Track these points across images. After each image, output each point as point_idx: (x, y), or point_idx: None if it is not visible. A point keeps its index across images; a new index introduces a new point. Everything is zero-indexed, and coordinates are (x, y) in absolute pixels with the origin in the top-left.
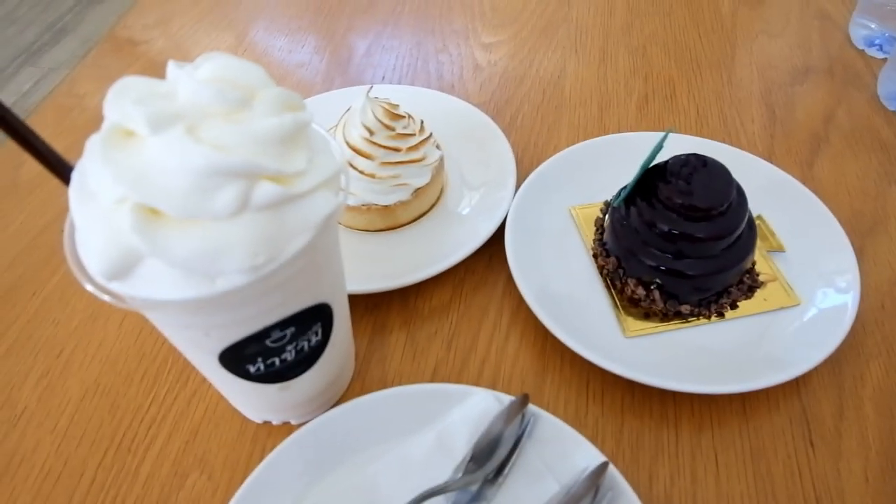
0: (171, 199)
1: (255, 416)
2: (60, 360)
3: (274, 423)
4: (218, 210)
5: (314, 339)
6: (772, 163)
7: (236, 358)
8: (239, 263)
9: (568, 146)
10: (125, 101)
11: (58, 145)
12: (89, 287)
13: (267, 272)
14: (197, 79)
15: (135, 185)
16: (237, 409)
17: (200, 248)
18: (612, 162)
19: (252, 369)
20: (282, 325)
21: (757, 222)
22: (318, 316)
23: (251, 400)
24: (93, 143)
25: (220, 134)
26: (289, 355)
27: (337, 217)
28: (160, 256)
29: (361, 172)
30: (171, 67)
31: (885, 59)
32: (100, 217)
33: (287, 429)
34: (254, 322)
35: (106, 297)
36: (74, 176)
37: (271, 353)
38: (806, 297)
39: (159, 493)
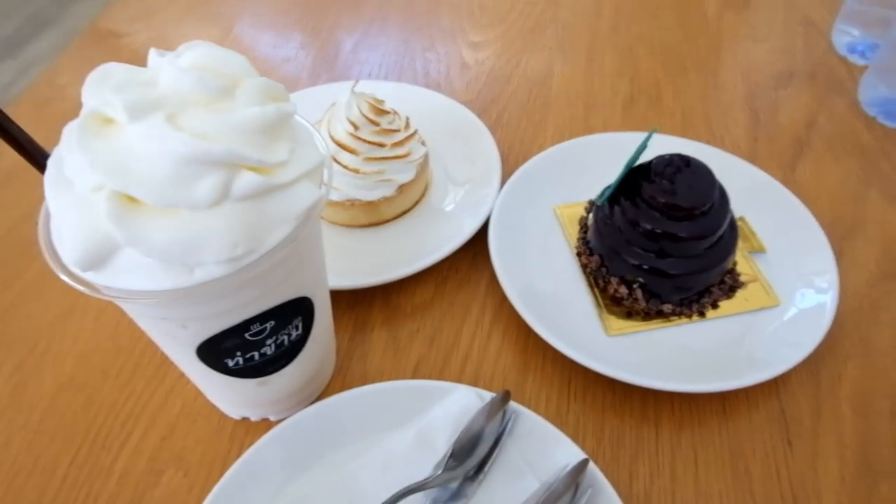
0: (149, 187)
1: (234, 412)
2: (34, 355)
3: (252, 419)
4: (198, 199)
5: (294, 334)
6: (755, 165)
7: (214, 352)
8: (218, 254)
9: (553, 145)
10: (104, 87)
11: (36, 136)
12: (63, 277)
13: (246, 264)
14: (179, 66)
15: (112, 173)
16: (215, 404)
17: (179, 238)
18: (597, 161)
19: (230, 363)
20: (261, 318)
21: (739, 223)
22: (299, 310)
23: (229, 395)
24: (70, 130)
25: (201, 122)
26: (268, 349)
27: (319, 210)
28: (137, 246)
29: (345, 167)
30: (153, 55)
31: (866, 66)
32: (75, 205)
33: (266, 425)
34: (233, 315)
35: (80, 288)
36: (50, 163)
37: (250, 346)
38: (786, 297)
39: (134, 490)
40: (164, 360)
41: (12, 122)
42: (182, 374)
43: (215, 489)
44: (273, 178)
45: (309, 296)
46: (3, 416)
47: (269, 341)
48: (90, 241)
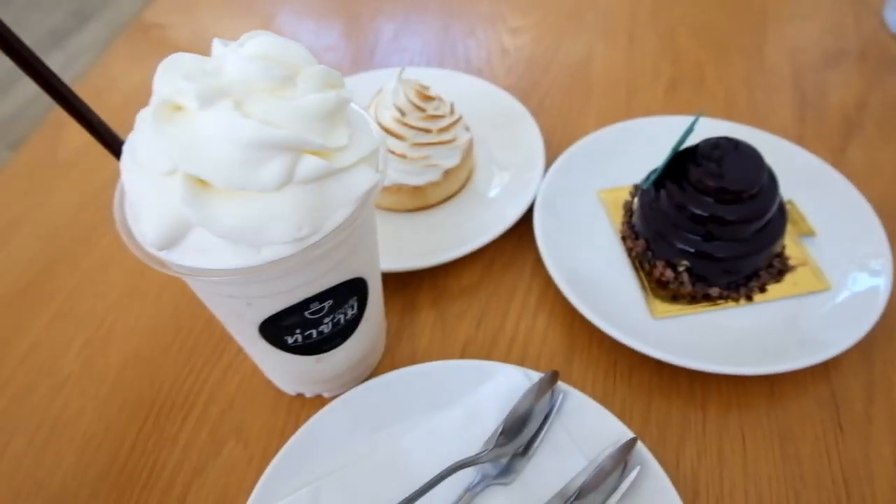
0: (219, 171)
1: (290, 389)
2: (101, 332)
3: (307, 395)
4: (264, 182)
5: (350, 313)
6: (803, 147)
7: (276, 329)
8: (284, 234)
9: (595, 130)
10: (175, 76)
11: None
12: (138, 255)
13: (310, 244)
14: (243, 56)
15: (185, 157)
16: (272, 381)
17: (247, 219)
18: (640, 146)
19: (290, 340)
20: (320, 297)
21: (787, 206)
22: (355, 290)
23: (287, 372)
24: (143, 117)
25: (266, 109)
26: (325, 328)
27: (375, 193)
28: (208, 226)
29: (393, 153)
30: (217, 44)
31: None
32: (151, 188)
33: (320, 402)
34: (294, 293)
35: (154, 266)
36: (125, 149)
37: (309, 324)
38: (837, 281)
39: (197, 459)
40: (222, 338)
41: (92, 112)
42: (238, 352)
43: (274, 461)
44: (334, 162)
45: (364, 276)
46: (75, 388)
47: (326, 320)
48: (166, 222)
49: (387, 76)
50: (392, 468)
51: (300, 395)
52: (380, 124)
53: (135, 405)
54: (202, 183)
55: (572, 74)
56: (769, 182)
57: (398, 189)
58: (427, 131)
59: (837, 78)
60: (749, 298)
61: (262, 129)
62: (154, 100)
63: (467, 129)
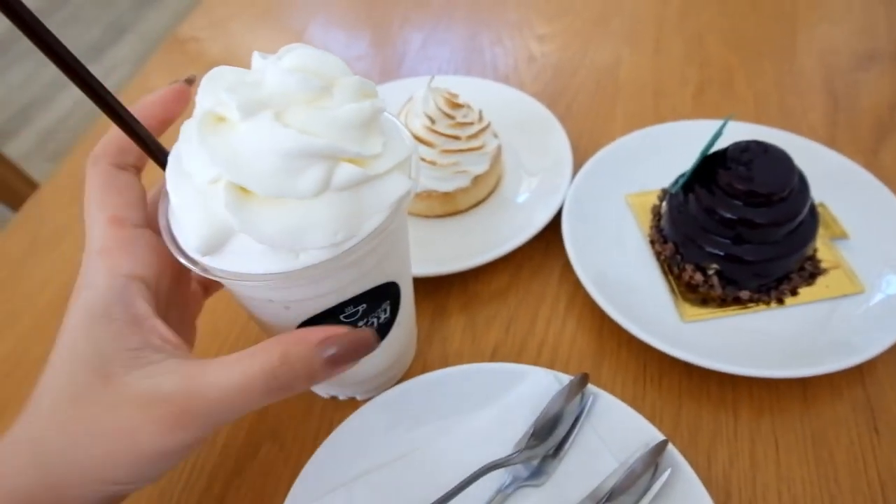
0: (260, 179)
1: (323, 391)
2: None
3: (340, 398)
4: (303, 190)
5: (383, 317)
6: (835, 150)
7: None
8: (321, 240)
9: (623, 135)
10: (218, 88)
11: None
12: (182, 260)
13: (346, 249)
14: (282, 68)
15: (228, 166)
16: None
17: (286, 226)
18: (668, 150)
19: None
20: (355, 301)
21: (819, 209)
22: (387, 294)
23: None
24: (188, 128)
25: (305, 119)
26: None
27: (408, 200)
28: (250, 233)
29: (423, 160)
30: (256, 57)
31: None
32: (195, 196)
33: (353, 404)
34: (330, 297)
35: (198, 271)
36: (170, 159)
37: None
38: (871, 284)
39: (235, 460)
40: (258, 342)
41: (139, 123)
42: None
43: (310, 462)
44: (369, 170)
45: (396, 281)
46: None
47: (360, 323)
48: (209, 228)
49: (416, 84)
50: (425, 469)
51: (333, 398)
52: (410, 132)
53: None
54: (244, 191)
55: (599, 80)
56: (800, 185)
57: (428, 195)
58: (456, 138)
59: (870, 80)
60: (780, 302)
61: (301, 139)
62: (198, 111)
63: (496, 135)
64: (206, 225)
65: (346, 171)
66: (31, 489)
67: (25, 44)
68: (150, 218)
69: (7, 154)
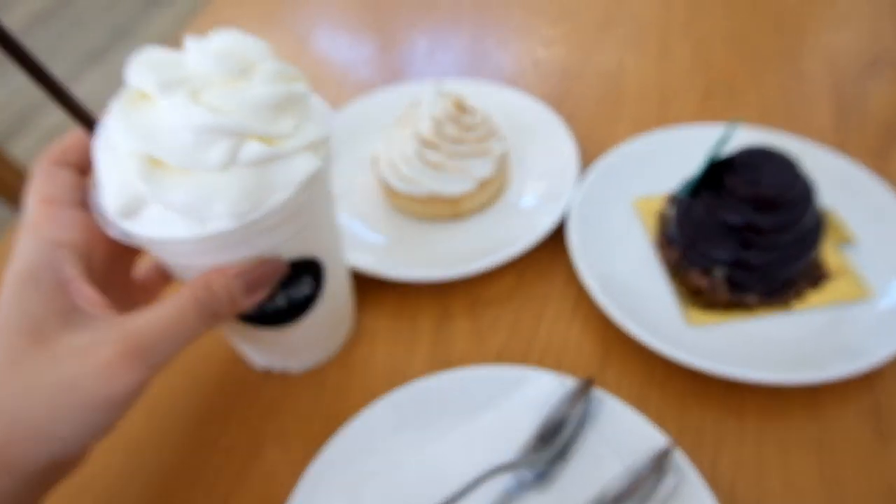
0: (171, 152)
1: (259, 362)
2: None
3: (274, 370)
4: (210, 163)
5: (305, 291)
6: (842, 155)
7: None
8: (225, 210)
9: (629, 139)
10: (143, 67)
11: None
12: (106, 228)
13: (249, 220)
14: (204, 50)
15: (143, 139)
16: (244, 356)
17: (193, 195)
18: (674, 155)
19: (247, 311)
20: None
21: (827, 214)
22: (308, 270)
23: (252, 344)
24: (114, 103)
25: (218, 98)
26: (280, 302)
27: (323, 180)
28: (159, 200)
29: (429, 163)
30: (188, 40)
31: None
32: (115, 165)
33: (359, 404)
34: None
35: (115, 233)
36: (99, 130)
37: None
38: (878, 289)
39: (240, 462)
40: None
41: (69, 95)
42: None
43: (313, 465)
44: (277, 148)
45: (319, 258)
46: None
47: (279, 294)
48: (124, 195)
49: (421, 88)
50: (429, 472)
51: (267, 371)
52: (416, 135)
53: (178, 411)
54: (157, 162)
55: (605, 84)
56: (806, 189)
57: (434, 199)
58: (462, 142)
59: (877, 85)
60: (787, 306)
61: (209, 116)
62: (126, 88)
63: (501, 139)
64: (123, 192)
65: (252, 149)
66: None
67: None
68: (85, 205)
69: (9, 156)
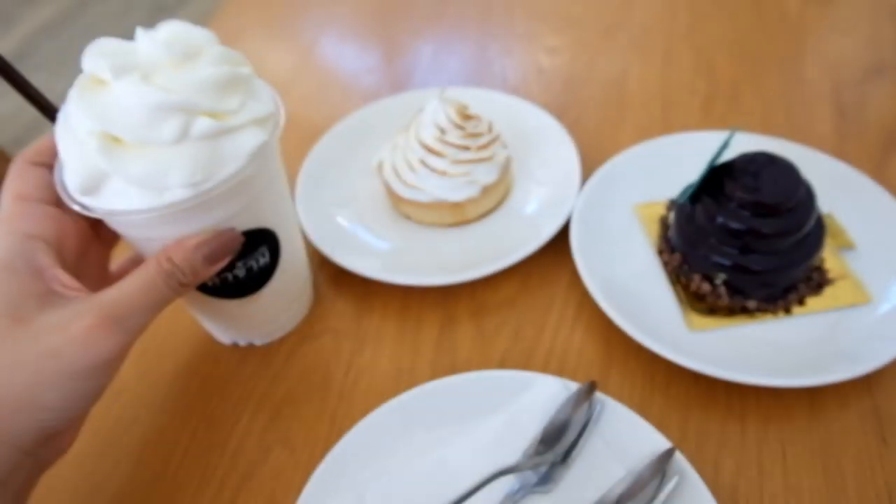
0: (127, 128)
1: (224, 338)
2: (155, 342)
3: (240, 343)
4: (164, 137)
5: (262, 261)
6: (842, 161)
7: None
8: (180, 180)
9: (631, 145)
10: (97, 55)
11: None
12: (66, 199)
13: (204, 189)
14: (154, 39)
15: (100, 118)
16: (209, 332)
17: (150, 168)
18: (676, 161)
19: (209, 283)
20: None
21: (827, 219)
22: (263, 240)
23: (216, 318)
24: (73, 89)
25: (168, 80)
26: (240, 272)
27: (271, 153)
28: (118, 173)
29: (433, 170)
30: (138, 32)
31: None
32: (75, 145)
33: (364, 407)
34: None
35: (78, 208)
36: (59, 116)
37: (223, 268)
38: (878, 294)
39: (246, 465)
40: (269, 349)
41: (31, 85)
42: (285, 361)
43: (319, 468)
44: (225, 123)
45: (272, 229)
46: (132, 396)
47: (238, 264)
48: (85, 171)
49: (426, 96)
50: (434, 475)
51: (235, 344)
52: (421, 142)
53: (186, 413)
54: (115, 139)
55: (608, 92)
56: (806, 195)
57: (438, 205)
58: (466, 149)
59: (877, 91)
60: (787, 311)
61: (161, 94)
62: (82, 75)
63: (505, 146)
64: (84, 169)
65: (202, 123)
66: None
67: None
68: (58, 201)
69: None
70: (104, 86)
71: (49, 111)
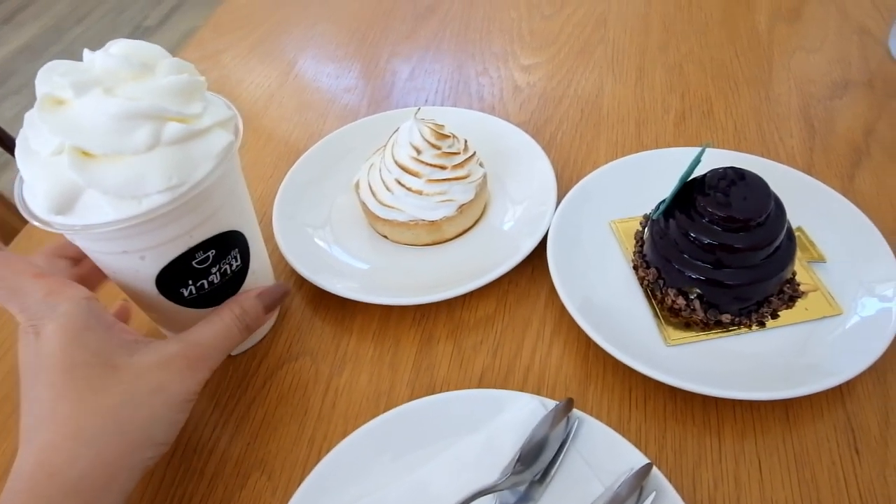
0: (97, 141)
1: None
2: None
3: None
4: (136, 145)
5: (234, 264)
6: (811, 175)
7: (171, 281)
8: (158, 185)
9: (606, 162)
10: (53, 76)
11: None
12: (38, 224)
13: (181, 192)
14: (108, 55)
15: (68, 134)
16: None
17: (126, 176)
18: (651, 177)
19: (185, 293)
20: (203, 246)
21: (797, 234)
22: (234, 242)
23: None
24: (31, 114)
25: (131, 90)
26: (215, 278)
27: (235, 155)
28: (95, 186)
29: (409, 189)
30: (86, 53)
31: None
32: (42, 166)
33: (342, 428)
34: (179, 242)
35: (52, 230)
36: (18, 143)
37: (199, 274)
38: (848, 306)
39: (223, 491)
40: (245, 373)
41: None
42: (263, 385)
43: (298, 492)
44: (193, 126)
45: (240, 230)
46: None
47: (213, 269)
48: (58, 189)
49: (404, 115)
50: (412, 497)
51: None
52: (396, 162)
53: None
54: (86, 154)
55: (583, 109)
56: (776, 210)
57: (415, 224)
58: (442, 168)
59: (845, 107)
60: (761, 325)
61: (128, 103)
62: (38, 98)
63: (481, 164)
64: (55, 188)
65: (173, 128)
66: (84, 472)
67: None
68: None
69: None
70: (65, 104)
71: (5, 142)
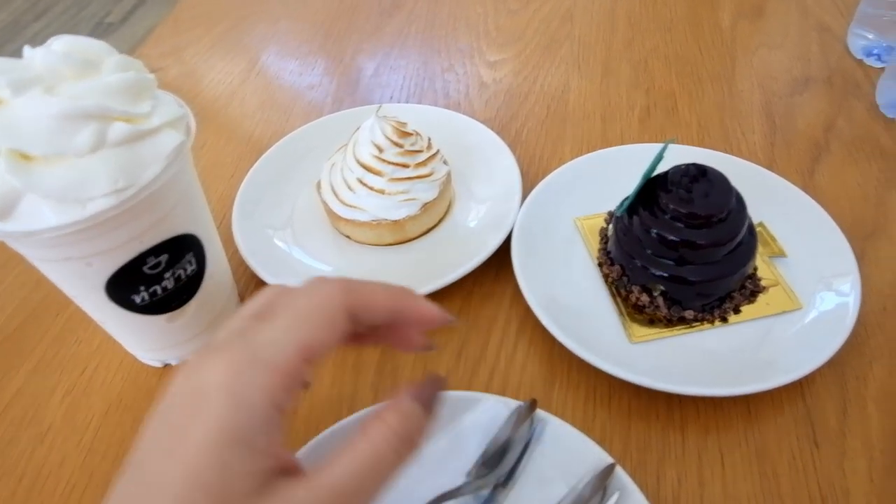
0: (36, 142)
1: (152, 359)
2: (84, 377)
3: (172, 363)
4: (79, 147)
5: (190, 269)
6: (773, 171)
7: (121, 288)
8: (103, 188)
9: (572, 159)
10: None
11: None
12: None
13: (128, 195)
14: (50, 52)
15: (5, 136)
16: (134, 353)
17: (68, 180)
18: (616, 173)
19: (138, 300)
20: (156, 251)
21: (758, 229)
22: (189, 246)
23: (144, 337)
24: None
25: (73, 89)
26: (168, 283)
27: (187, 155)
28: (34, 190)
29: (371, 188)
30: (26, 50)
31: (883, 69)
32: None
33: (303, 437)
34: (129, 247)
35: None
36: None
37: (151, 280)
38: (808, 300)
39: None
40: None
41: None
42: None
43: None
44: (140, 126)
45: (195, 234)
46: (58, 436)
47: (167, 275)
48: None
49: (367, 113)
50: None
51: (167, 366)
52: (358, 161)
53: (118, 452)
54: (24, 156)
55: (548, 106)
56: (737, 206)
57: (377, 224)
58: (405, 166)
59: (805, 103)
60: (724, 320)
61: (70, 102)
62: None
63: (445, 162)
64: None
65: (118, 128)
66: None
67: None
68: None
69: None
70: (2, 104)
71: None
